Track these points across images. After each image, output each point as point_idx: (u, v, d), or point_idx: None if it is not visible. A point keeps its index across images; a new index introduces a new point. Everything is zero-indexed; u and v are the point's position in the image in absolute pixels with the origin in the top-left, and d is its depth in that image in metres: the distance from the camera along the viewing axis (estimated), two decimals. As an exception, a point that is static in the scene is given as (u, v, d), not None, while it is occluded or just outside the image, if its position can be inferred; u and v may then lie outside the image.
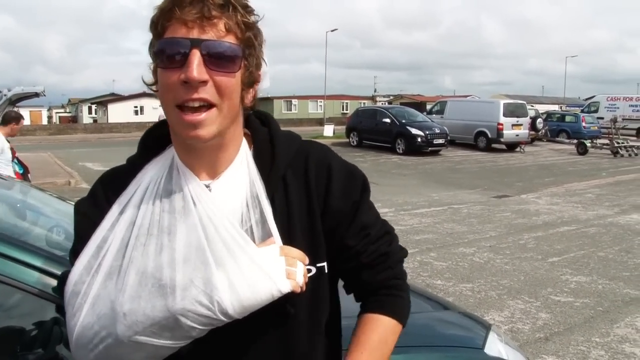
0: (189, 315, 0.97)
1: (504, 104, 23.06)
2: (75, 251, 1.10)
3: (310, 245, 1.10)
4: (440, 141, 20.64)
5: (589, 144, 22.06)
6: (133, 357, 1.02)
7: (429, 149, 20.39)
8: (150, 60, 1.05)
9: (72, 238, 1.97)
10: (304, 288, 1.03)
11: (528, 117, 23.57)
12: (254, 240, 1.05)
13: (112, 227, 1.06)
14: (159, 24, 0.99)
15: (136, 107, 52.38)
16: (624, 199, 11.60)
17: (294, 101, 57.43)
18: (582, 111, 32.90)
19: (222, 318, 0.98)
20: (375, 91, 71.60)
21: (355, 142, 23.05)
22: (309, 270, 1.07)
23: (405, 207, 10.17)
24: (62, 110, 66.54)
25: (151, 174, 1.09)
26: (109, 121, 46.40)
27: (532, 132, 24.55)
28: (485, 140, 22.64)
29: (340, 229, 1.13)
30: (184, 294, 0.97)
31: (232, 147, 1.09)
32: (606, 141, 22.42)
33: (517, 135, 22.55)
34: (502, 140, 22.32)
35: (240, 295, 0.98)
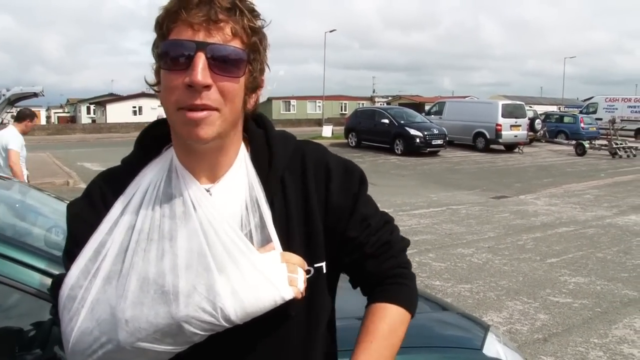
0: (192, 322, 0.97)
1: (502, 104, 23.08)
2: (70, 254, 1.08)
3: (308, 246, 1.10)
4: (439, 142, 20.65)
5: (587, 145, 22.08)
6: None
7: (428, 149, 20.40)
8: (153, 61, 1.04)
9: (71, 238, 1.95)
10: (304, 294, 1.04)
11: (526, 118, 23.59)
12: (253, 245, 1.05)
13: (111, 230, 1.05)
14: (164, 24, 0.98)
15: (135, 107, 52.34)
16: (623, 200, 11.62)
17: (293, 102, 57.45)
18: (581, 112, 32.92)
19: (225, 324, 0.98)
20: (373, 92, 71.64)
21: (353, 143, 23.06)
22: (308, 272, 1.07)
23: (404, 207, 10.18)
24: (60, 111, 66.47)
25: (150, 176, 1.08)
26: (108, 121, 46.36)
27: (531, 133, 24.56)
28: (483, 141, 22.66)
29: (341, 223, 1.13)
30: (187, 301, 0.96)
31: (232, 150, 1.08)
32: (605, 142, 22.45)
33: (515, 136, 22.57)
34: (500, 141, 22.35)
35: (244, 302, 0.98)
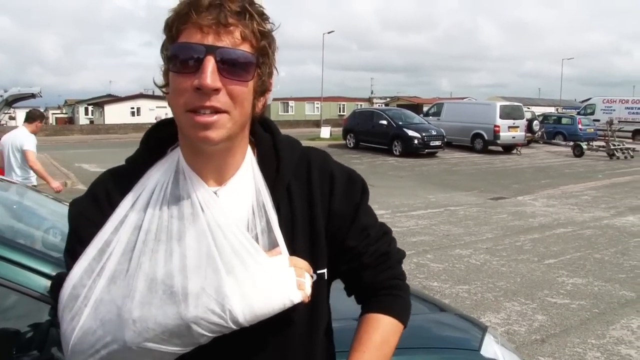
0: (201, 323, 0.97)
1: (500, 106, 23.10)
2: (73, 252, 1.07)
3: (312, 252, 1.11)
4: (437, 143, 20.67)
5: (585, 146, 22.11)
6: None
7: (426, 150, 20.41)
8: (161, 62, 1.04)
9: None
10: (309, 298, 1.04)
11: (524, 119, 23.61)
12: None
13: (116, 230, 1.04)
14: (174, 27, 0.98)
15: (133, 108, 52.30)
16: (620, 201, 11.64)
17: (291, 103, 57.41)
18: (579, 113, 32.98)
19: (233, 326, 0.98)
20: (372, 93, 71.66)
21: (352, 144, 23.07)
22: (311, 277, 1.08)
23: (402, 208, 10.18)
24: (58, 112, 66.35)
25: (156, 177, 1.08)
26: (106, 122, 46.30)
27: (529, 134, 24.58)
28: (481, 142, 22.68)
29: (341, 231, 1.14)
30: (196, 302, 0.96)
31: (240, 153, 1.09)
32: (602, 143, 22.47)
33: (513, 138, 22.60)
34: (498, 142, 22.36)
35: (252, 305, 0.98)
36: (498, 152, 22.73)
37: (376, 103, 59.63)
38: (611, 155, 21.21)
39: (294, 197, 1.12)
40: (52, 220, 2.73)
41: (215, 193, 1.05)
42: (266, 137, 1.15)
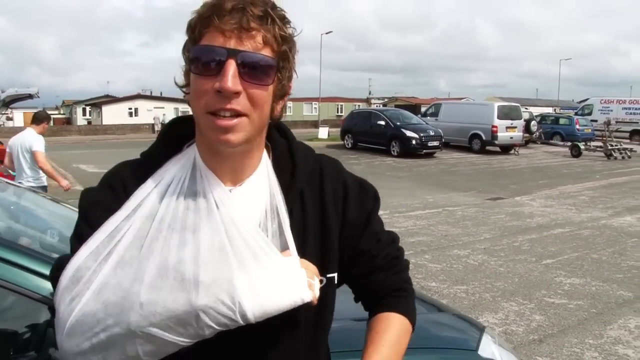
0: (209, 313, 0.96)
1: (498, 106, 23.13)
2: (81, 237, 1.07)
3: (322, 257, 1.12)
4: (435, 143, 20.68)
5: (582, 147, 22.15)
6: (136, 350, 0.99)
7: (424, 151, 20.43)
8: (182, 62, 1.05)
9: (66, 240, 1.96)
10: (317, 301, 1.05)
11: (522, 119, 23.63)
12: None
13: (129, 217, 1.04)
14: (197, 29, 0.99)
15: (130, 108, 52.21)
16: (618, 201, 11.66)
17: (289, 103, 56.98)
18: (576, 114, 33.02)
19: (240, 320, 0.97)
20: (370, 93, 71.65)
21: (350, 145, 23.08)
22: (321, 282, 1.09)
23: (400, 209, 10.19)
24: (56, 112, 66.23)
25: (174, 171, 1.09)
26: (103, 123, 46.25)
27: (526, 135, 24.61)
28: (479, 143, 22.71)
29: (355, 236, 1.18)
30: (207, 291, 0.96)
31: (256, 155, 1.10)
32: (600, 144, 22.52)
33: (511, 138, 22.62)
34: (496, 142, 22.39)
35: (263, 300, 0.98)
36: (496, 153, 22.76)
37: (374, 103, 59.65)
38: (609, 155, 21.25)
39: (306, 202, 1.14)
40: (50, 221, 2.73)
41: (230, 192, 1.07)
42: (282, 142, 1.18)
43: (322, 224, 1.14)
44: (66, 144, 27.17)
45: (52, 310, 1.57)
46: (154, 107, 49.81)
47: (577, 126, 27.88)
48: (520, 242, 7.90)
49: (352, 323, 1.87)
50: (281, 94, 1.06)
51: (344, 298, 1.27)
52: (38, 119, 6.79)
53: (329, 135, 27.95)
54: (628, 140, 27.73)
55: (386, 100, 65.50)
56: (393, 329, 1.16)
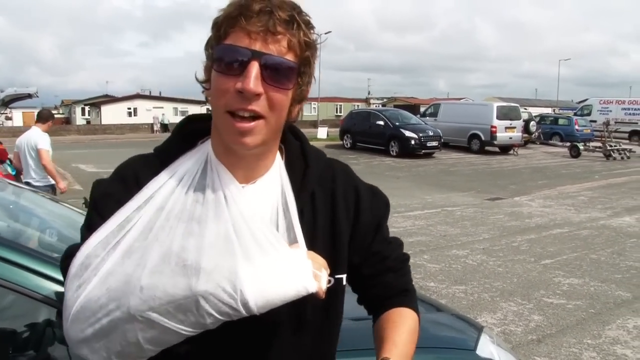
0: (210, 300, 0.95)
1: (497, 106, 23.13)
2: (91, 226, 1.08)
3: (332, 257, 1.12)
4: (434, 144, 20.69)
5: (581, 147, 22.16)
6: (136, 336, 0.98)
7: (423, 151, 20.43)
8: (204, 58, 1.06)
9: (65, 239, 1.97)
10: (324, 295, 1.04)
11: (521, 119, 23.65)
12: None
13: (139, 209, 1.05)
14: (222, 28, 1.00)
15: (129, 108, 52.19)
16: (617, 201, 11.67)
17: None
18: (575, 114, 33.05)
19: (242, 309, 0.96)
20: (369, 93, 71.70)
21: (348, 145, 23.08)
22: (329, 282, 1.09)
23: (399, 209, 10.19)
24: (55, 112, 66.21)
25: (187, 165, 1.10)
26: (102, 122, 46.23)
27: (526, 135, 24.62)
28: (478, 143, 22.71)
29: (367, 240, 1.20)
30: (208, 277, 0.95)
31: (270, 157, 1.12)
32: (599, 144, 22.53)
33: (510, 138, 22.63)
34: (495, 142, 22.40)
35: (265, 289, 0.97)
36: (495, 153, 22.77)
37: (373, 103, 59.65)
38: (608, 156, 21.27)
39: (317, 204, 1.15)
40: (49, 220, 2.73)
41: (242, 188, 1.08)
42: (296, 145, 1.20)
43: (332, 225, 1.16)
44: (65, 144, 27.14)
45: (53, 308, 1.57)
46: (153, 107, 49.79)
47: (576, 126, 27.89)
48: (519, 242, 7.91)
49: (350, 322, 1.87)
50: (299, 98, 1.07)
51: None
52: (43, 117, 6.86)
53: (328, 135, 27.95)
54: (627, 141, 27.74)
55: (385, 100, 65.54)
56: (409, 319, 1.20)
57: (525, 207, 10.80)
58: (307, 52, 1.02)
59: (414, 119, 22.63)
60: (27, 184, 6.61)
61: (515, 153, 22.59)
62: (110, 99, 56.48)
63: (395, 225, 8.71)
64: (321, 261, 1.06)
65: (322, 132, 28.53)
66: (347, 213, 1.18)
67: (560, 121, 29.34)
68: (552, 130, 28.22)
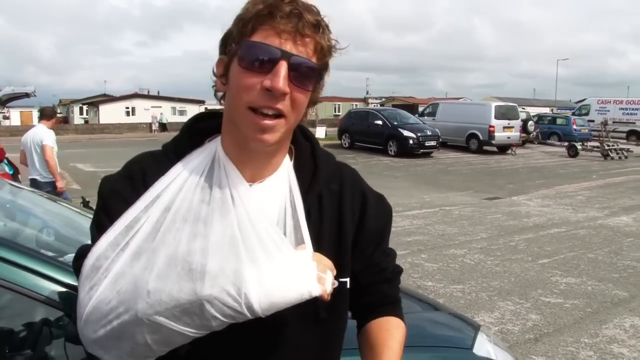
0: (214, 304, 0.96)
1: (495, 106, 23.16)
2: (100, 226, 1.09)
3: (337, 260, 1.12)
4: (432, 143, 20.70)
5: (579, 147, 22.20)
6: (145, 338, 1.00)
7: (421, 151, 20.45)
8: (218, 52, 1.08)
9: (62, 238, 1.97)
10: (329, 297, 1.04)
11: (519, 119, 23.69)
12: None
13: (147, 209, 1.05)
14: (250, 25, 1.00)
15: (127, 108, 52.18)
16: (614, 201, 11.69)
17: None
18: (573, 114, 33.11)
19: (246, 312, 0.97)
20: (367, 93, 71.74)
21: (347, 144, 23.09)
22: (333, 284, 1.09)
23: (397, 208, 10.19)
24: (53, 111, 66.03)
25: (194, 164, 1.10)
26: (100, 122, 46.21)
27: (524, 135, 24.67)
28: (476, 143, 22.74)
29: (369, 248, 1.22)
30: (213, 282, 0.96)
31: (280, 156, 1.13)
32: (597, 144, 22.57)
33: (508, 138, 22.66)
34: (493, 142, 22.43)
35: (269, 292, 0.97)
36: (493, 153, 22.79)
37: (371, 103, 59.68)
38: (605, 155, 21.30)
39: (324, 205, 1.16)
40: (46, 219, 2.73)
41: (250, 187, 1.08)
42: (306, 146, 1.21)
43: (338, 227, 1.17)
44: (63, 143, 27.01)
45: (50, 308, 1.57)
46: (151, 107, 49.72)
47: (574, 126, 27.95)
48: (517, 242, 7.92)
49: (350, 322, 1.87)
50: (314, 100, 1.10)
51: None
52: (47, 114, 6.96)
53: (326, 134, 27.94)
54: (625, 141, 27.78)
55: (384, 99, 65.57)
56: (400, 329, 1.23)
57: (523, 207, 10.82)
58: (327, 57, 1.06)
59: (412, 119, 22.63)
60: (33, 180, 6.65)
61: (513, 153, 22.62)
62: (109, 99, 56.44)
63: (394, 224, 8.56)
64: (327, 262, 1.06)
65: (320, 132, 28.51)
66: (353, 216, 1.18)
67: (558, 121, 29.40)
68: (550, 130, 28.28)
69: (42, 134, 6.65)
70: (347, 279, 1.17)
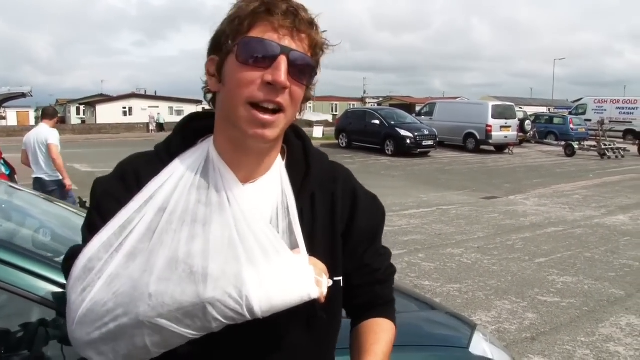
0: (217, 306, 0.96)
1: (492, 105, 23.19)
2: (92, 227, 1.08)
3: (330, 259, 1.13)
4: (429, 143, 20.72)
5: (576, 146, 22.24)
6: (144, 341, 1.00)
7: (418, 150, 20.46)
8: (208, 51, 1.09)
9: (58, 239, 1.98)
10: (324, 300, 1.05)
11: (516, 119, 23.71)
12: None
13: (140, 209, 1.05)
14: (246, 22, 1.02)
15: (125, 108, 52.09)
16: (611, 200, 11.71)
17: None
18: (570, 113, 33.15)
19: (247, 315, 0.98)
20: (364, 93, 71.72)
21: (344, 144, 23.08)
22: (329, 283, 1.10)
23: (394, 208, 10.20)
24: (50, 111, 65.80)
25: (187, 164, 1.10)
26: (97, 122, 46.09)
27: (521, 134, 24.70)
28: (474, 142, 22.76)
29: (360, 248, 1.22)
30: (215, 285, 0.97)
31: (274, 155, 1.13)
32: (593, 143, 22.61)
33: (505, 137, 22.69)
34: (490, 141, 22.45)
35: (270, 294, 0.98)
36: (490, 152, 22.82)
37: (369, 103, 59.68)
38: (602, 154, 21.34)
39: (317, 205, 1.16)
40: (42, 219, 2.73)
41: (243, 187, 1.09)
42: (298, 144, 1.21)
43: (331, 227, 1.17)
44: (60, 143, 27.04)
45: (47, 309, 1.57)
46: (149, 106, 49.67)
47: (571, 126, 28.00)
48: (514, 241, 7.93)
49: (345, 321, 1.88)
50: (307, 97, 1.11)
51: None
52: (50, 114, 7.01)
53: (323, 134, 27.95)
54: (621, 140, 27.83)
55: (381, 99, 65.61)
56: (388, 332, 1.24)
57: (520, 206, 10.84)
58: (320, 53, 1.08)
59: (410, 118, 22.64)
60: (38, 179, 6.64)
61: (510, 152, 22.65)
62: (106, 99, 56.36)
63: (391, 224, 8.72)
64: (321, 266, 1.07)
65: (317, 131, 28.52)
66: (343, 215, 1.19)
67: (555, 120, 29.44)
68: (547, 129, 28.31)
69: (47, 133, 6.67)
70: (341, 278, 1.17)
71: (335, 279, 1.14)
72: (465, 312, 4.89)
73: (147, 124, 40.77)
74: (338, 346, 1.26)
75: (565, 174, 16.32)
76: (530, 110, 39.95)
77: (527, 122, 26.37)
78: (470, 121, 22.72)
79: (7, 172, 7.11)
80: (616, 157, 21.36)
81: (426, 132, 20.79)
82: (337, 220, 1.17)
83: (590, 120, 29.81)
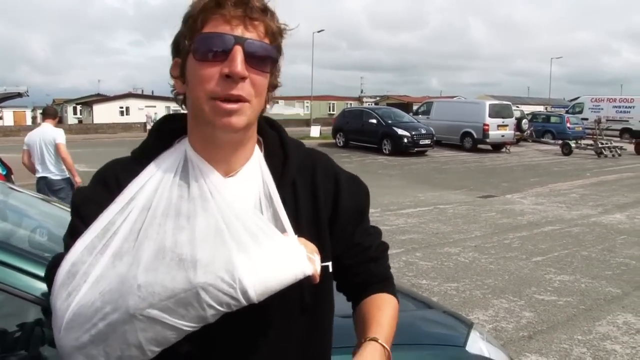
0: (210, 291, 0.94)
1: (489, 104, 23.20)
2: (74, 233, 1.07)
3: (317, 245, 1.12)
4: (427, 142, 20.73)
5: (573, 145, 22.29)
6: (137, 337, 0.96)
7: (415, 149, 20.47)
8: (171, 54, 1.09)
9: (55, 239, 1.97)
10: (318, 279, 1.05)
11: (513, 117, 23.73)
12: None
13: (122, 210, 1.05)
14: (199, 19, 1.02)
15: (121, 107, 52.00)
16: (608, 198, 11.74)
17: (281, 102, 57.32)
18: (567, 112, 33.19)
19: (241, 298, 0.96)
20: (362, 92, 71.71)
21: (341, 143, 23.08)
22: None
23: (391, 207, 10.21)
24: (47, 111, 65.63)
25: (165, 164, 1.10)
26: (94, 122, 46.02)
27: (518, 133, 24.72)
28: (471, 141, 22.78)
29: (348, 229, 1.21)
30: (206, 269, 0.95)
31: (249, 146, 1.13)
32: (590, 142, 22.66)
33: (502, 136, 22.71)
34: (487, 140, 22.47)
35: (263, 276, 0.97)
36: (487, 151, 22.84)
37: (366, 102, 59.64)
38: (599, 153, 21.39)
39: (298, 193, 1.16)
40: (39, 219, 2.72)
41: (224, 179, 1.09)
42: (273, 134, 1.21)
43: (315, 213, 1.17)
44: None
45: (43, 308, 1.57)
46: (146, 106, 49.56)
47: (568, 124, 28.03)
48: (511, 240, 7.94)
49: (342, 320, 1.88)
50: (274, 84, 1.11)
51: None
52: (52, 113, 7.04)
53: (320, 133, 27.93)
54: (618, 139, 27.89)
55: (378, 98, 65.55)
56: (391, 305, 1.22)
57: (517, 205, 10.85)
58: (279, 39, 1.07)
59: (407, 117, 22.65)
60: (43, 179, 6.61)
61: (507, 151, 22.68)
62: (103, 98, 56.24)
63: (388, 223, 8.73)
64: (312, 246, 1.07)
65: (314, 131, 28.51)
66: (326, 198, 1.18)
67: (552, 119, 29.48)
68: (544, 128, 28.35)
69: (54, 132, 6.65)
70: (329, 264, 1.17)
71: (323, 264, 1.13)
72: (462, 311, 4.90)
73: (144, 124, 40.67)
74: (338, 345, 1.25)
75: (562, 173, 16.36)
76: (527, 109, 40.03)
77: (524, 121, 26.40)
78: (468, 120, 22.73)
79: (4, 172, 7.08)
80: (613, 155, 21.40)
81: (423, 131, 20.80)
82: (320, 206, 1.17)
83: (587, 119, 29.82)
